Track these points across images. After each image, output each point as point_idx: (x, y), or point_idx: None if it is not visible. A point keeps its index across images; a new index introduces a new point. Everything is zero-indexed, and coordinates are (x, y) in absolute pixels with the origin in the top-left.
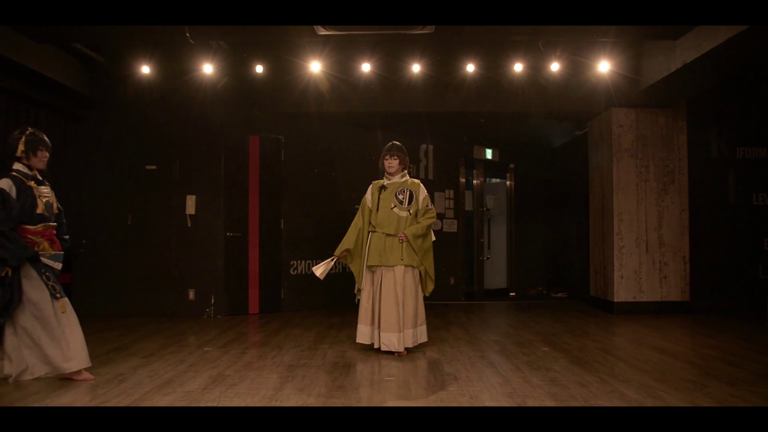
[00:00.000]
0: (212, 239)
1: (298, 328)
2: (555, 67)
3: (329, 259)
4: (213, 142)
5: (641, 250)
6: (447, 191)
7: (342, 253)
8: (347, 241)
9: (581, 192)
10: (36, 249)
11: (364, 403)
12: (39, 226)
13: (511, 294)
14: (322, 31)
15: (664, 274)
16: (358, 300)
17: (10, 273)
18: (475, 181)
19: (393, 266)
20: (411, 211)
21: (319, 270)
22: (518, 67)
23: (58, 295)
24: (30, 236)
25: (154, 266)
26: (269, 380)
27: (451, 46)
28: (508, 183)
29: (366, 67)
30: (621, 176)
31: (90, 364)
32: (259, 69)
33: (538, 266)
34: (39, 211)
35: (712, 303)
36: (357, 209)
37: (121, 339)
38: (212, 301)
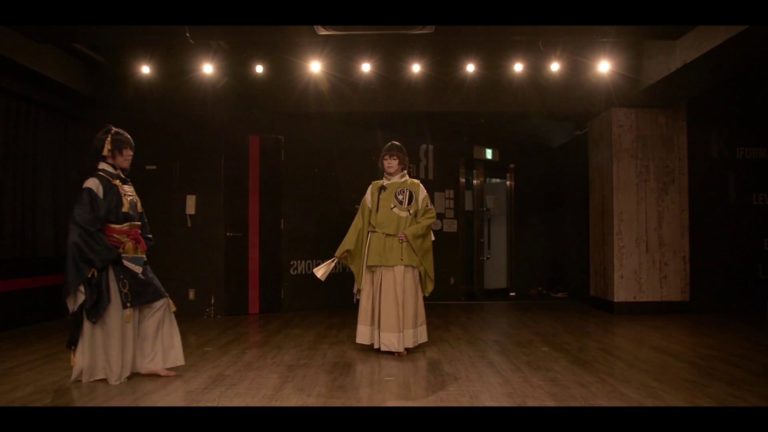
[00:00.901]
0: (212, 239)
1: (298, 328)
2: (555, 67)
3: (330, 260)
4: (213, 142)
5: (641, 250)
6: (447, 191)
7: (343, 254)
8: (348, 242)
9: (581, 192)
10: (120, 249)
11: (364, 403)
12: (125, 225)
13: (511, 294)
14: (322, 31)
15: (664, 274)
16: (357, 300)
17: (96, 274)
18: (475, 181)
19: (393, 266)
20: (411, 212)
21: (320, 271)
22: (518, 67)
23: (128, 304)
24: (116, 235)
25: (154, 266)
26: (269, 380)
27: (451, 46)
28: (508, 183)
29: (366, 67)
30: (621, 176)
31: (118, 383)
32: (259, 69)
33: (538, 266)
34: (124, 209)
35: (712, 303)
36: (357, 209)
37: None
38: (212, 301)
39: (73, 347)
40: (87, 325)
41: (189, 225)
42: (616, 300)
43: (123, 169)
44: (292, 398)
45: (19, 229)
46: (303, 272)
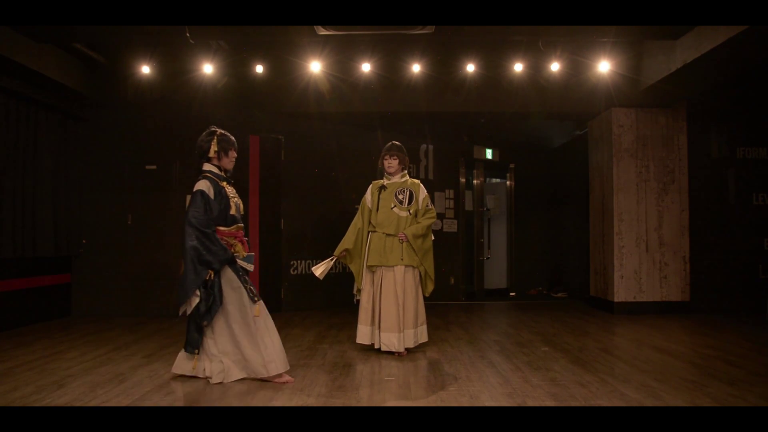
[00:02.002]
0: None
1: (298, 328)
2: (555, 67)
3: (329, 259)
4: None
5: (641, 250)
6: (447, 191)
7: (341, 253)
8: (347, 241)
9: (581, 192)
10: (232, 251)
11: (364, 403)
12: (232, 227)
13: (511, 294)
14: (322, 31)
15: (664, 274)
16: (357, 300)
17: (212, 276)
18: (475, 181)
19: (393, 266)
20: (411, 211)
21: (319, 270)
22: (518, 67)
23: (256, 298)
24: (225, 238)
25: (154, 266)
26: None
27: (451, 46)
28: (508, 183)
29: (366, 67)
30: (621, 176)
31: (288, 368)
32: (259, 69)
33: (538, 266)
34: (232, 212)
35: (712, 303)
36: (357, 209)
37: (121, 339)
38: None
39: (196, 351)
40: (218, 326)
41: None
42: (616, 300)
43: (226, 171)
44: (292, 398)
45: (19, 229)
46: (303, 272)
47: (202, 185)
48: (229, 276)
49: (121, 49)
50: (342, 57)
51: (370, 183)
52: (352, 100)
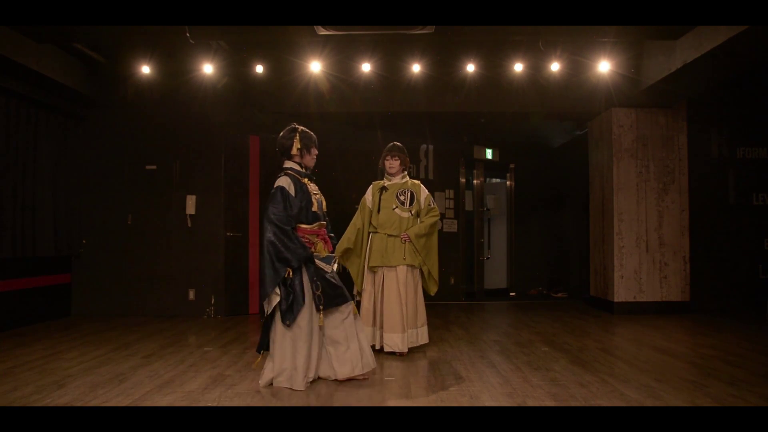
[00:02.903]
0: (212, 239)
1: None
2: (555, 67)
3: None
4: (213, 142)
5: (641, 250)
6: (447, 191)
7: (342, 252)
8: (346, 240)
9: (581, 192)
10: (312, 250)
11: (365, 403)
12: (314, 225)
13: (511, 294)
14: (322, 31)
15: (665, 274)
16: (357, 302)
17: (291, 274)
18: (475, 181)
19: (395, 266)
20: (413, 212)
21: None
22: (518, 67)
23: (321, 307)
24: (307, 236)
25: (154, 266)
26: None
27: (451, 46)
28: (508, 183)
29: (366, 67)
30: (621, 176)
31: (304, 388)
32: (259, 69)
33: (538, 266)
34: (314, 209)
35: (712, 303)
36: (357, 209)
37: (121, 339)
38: (212, 301)
39: (263, 351)
40: (279, 329)
41: (189, 225)
42: (616, 300)
43: (308, 168)
44: (292, 398)
45: (19, 229)
46: None
47: (282, 182)
48: (304, 277)
49: (121, 49)
50: (342, 57)
51: (370, 183)
52: (352, 100)
